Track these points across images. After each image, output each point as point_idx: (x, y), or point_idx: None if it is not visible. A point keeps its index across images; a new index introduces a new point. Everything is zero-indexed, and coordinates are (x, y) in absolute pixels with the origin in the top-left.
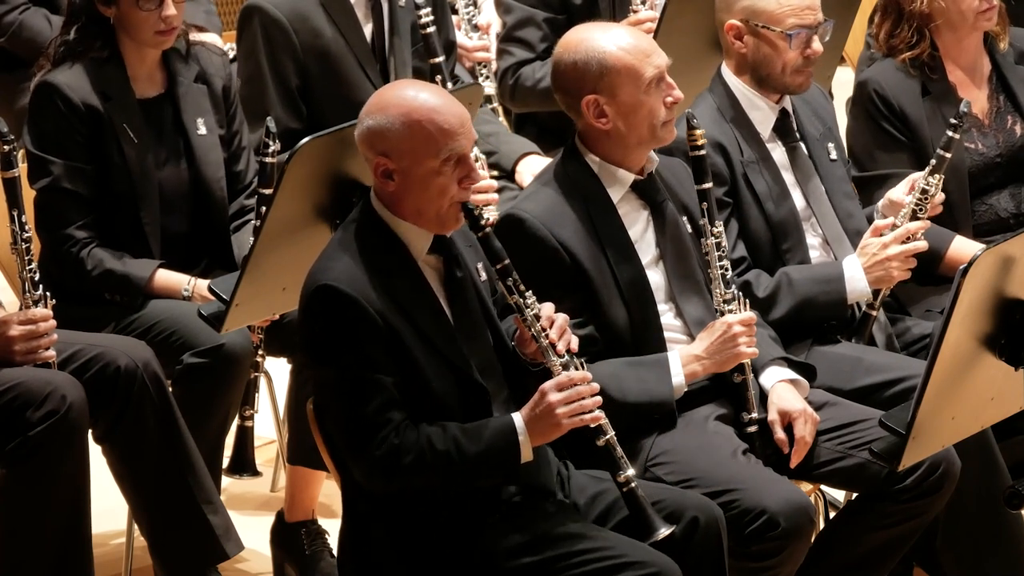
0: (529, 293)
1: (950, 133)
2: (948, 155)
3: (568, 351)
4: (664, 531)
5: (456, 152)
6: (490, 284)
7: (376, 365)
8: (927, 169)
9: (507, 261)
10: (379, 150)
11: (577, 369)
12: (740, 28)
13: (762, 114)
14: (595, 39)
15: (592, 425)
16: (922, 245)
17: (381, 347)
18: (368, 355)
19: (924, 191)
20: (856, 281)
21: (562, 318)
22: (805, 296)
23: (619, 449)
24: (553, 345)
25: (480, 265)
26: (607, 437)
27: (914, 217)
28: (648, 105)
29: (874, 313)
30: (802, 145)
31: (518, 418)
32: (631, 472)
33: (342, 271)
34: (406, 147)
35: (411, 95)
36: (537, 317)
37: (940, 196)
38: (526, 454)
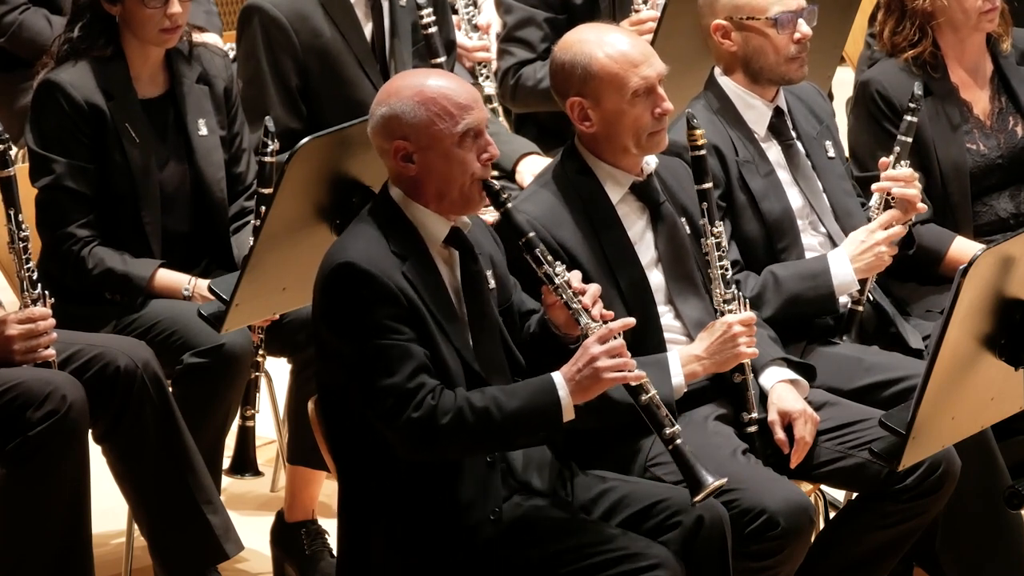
0: (558, 264)
1: (908, 117)
2: (909, 140)
3: (604, 320)
4: (714, 481)
5: (472, 125)
6: (498, 292)
7: (404, 334)
8: (892, 157)
9: (532, 234)
10: (397, 135)
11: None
12: (726, 27)
13: (756, 113)
14: (587, 42)
15: (634, 384)
16: (901, 231)
17: (404, 320)
18: (394, 326)
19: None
20: (843, 273)
21: (594, 287)
22: (792, 293)
23: (663, 407)
24: (587, 309)
25: (490, 272)
26: (649, 395)
27: (887, 206)
28: (632, 115)
29: (860, 308)
30: (798, 143)
31: (557, 375)
32: (677, 428)
33: (361, 250)
34: (423, 125)
35: (420, 79)
36: (568, 284)
37: (917, 186)
38: (568, 412)
